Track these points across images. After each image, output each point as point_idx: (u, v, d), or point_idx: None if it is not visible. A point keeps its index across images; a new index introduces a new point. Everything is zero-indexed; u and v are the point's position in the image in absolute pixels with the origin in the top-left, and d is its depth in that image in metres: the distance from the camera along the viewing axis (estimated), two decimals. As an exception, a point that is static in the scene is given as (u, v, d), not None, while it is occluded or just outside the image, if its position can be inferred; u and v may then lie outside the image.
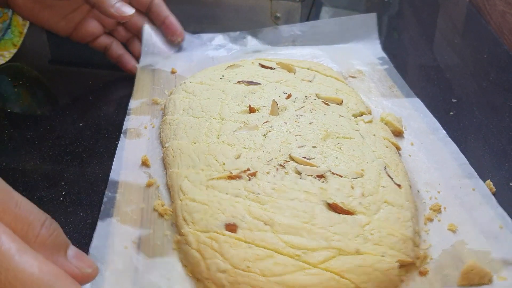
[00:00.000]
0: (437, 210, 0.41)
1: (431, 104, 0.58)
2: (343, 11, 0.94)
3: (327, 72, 0.57)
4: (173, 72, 0.62)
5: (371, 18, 0.68)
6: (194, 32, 0.73)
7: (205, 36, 0.69)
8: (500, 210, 0.40)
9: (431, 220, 0.40)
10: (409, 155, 0.47)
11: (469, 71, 0.68)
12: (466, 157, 0.46)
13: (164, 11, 0.65)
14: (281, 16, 0.73)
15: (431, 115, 0.52)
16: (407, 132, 0.50)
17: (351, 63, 0.63)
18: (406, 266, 0.35)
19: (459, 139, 0.52)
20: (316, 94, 0.51)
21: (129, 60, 0.64)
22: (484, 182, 0.45)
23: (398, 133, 0.50)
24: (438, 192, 0.43)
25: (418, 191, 0.43)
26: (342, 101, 0.51)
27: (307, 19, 0.84)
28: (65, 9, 0.60)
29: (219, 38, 0.68)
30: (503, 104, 0.59)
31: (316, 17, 0.88)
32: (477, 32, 0.82)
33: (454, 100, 0.60)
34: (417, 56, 0.73)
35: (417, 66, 0.70)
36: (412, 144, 0.49)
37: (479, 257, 0.36)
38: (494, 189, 0.44)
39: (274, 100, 0.48)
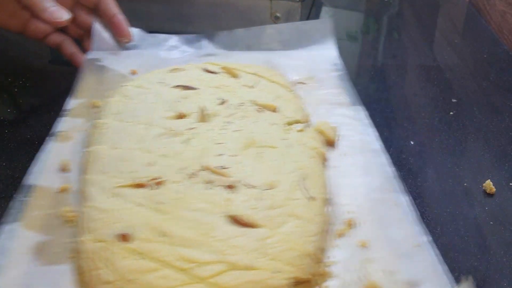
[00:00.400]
0: (351, 225, 0.39)
1: (431, 104, 0.58)
2: (343, 11, 0.94)
3: (273, 78, 0.56)
4: (133, 73, 0.60)
5: (328, 23, 0.67)
6: (195, 32, 0.73)
7: (161, 36, 0.67)
8: (418, 228, 0.38)
9: (342, 235, 0.38)
10: (336, 166, 0.45)
11: (469, 71, 0.68)
12: (465, 157, 0.46)
13: (112, 9, 0.63)
14: (281, 16, 0.73)
15: (372, 125, 0.51)
16: (342, 142, 0.48)
17: (304, 69, 0.62)
18: (303, 283, 0.34)
19: (459, 139, 0.52)
20: (252, 101, 0.50)
21: (81, 59, 0.63)
22: (484, 182, 0.45)
23: (331, 143, 0.48)
24: (358, 206, 0.41)
25: (336, 204, 0.41)
26: (277, 108, 0.50)
27: (307, 19, 0.84)
28: (12, 8, 0.59)
29: (174, 39, 0.67)
30: (503, 104, 0.59)
31: (316, 17, 0.88)
32: (477, 32, 0.82)
33: (454, 100, 0.60)
34: (417, 56, 0.73)
35: (417, 66, 0.70)
36: (343, 155, 0.47)
37: (384, 276, 0.34)
38: (494, 189, 0.44)
39: (200, 106, 0.47)
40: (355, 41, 0.79)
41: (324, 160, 0.45)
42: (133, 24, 0.67)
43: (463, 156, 0.49)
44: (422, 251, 0.36)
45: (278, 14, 0.73)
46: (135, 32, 0.65)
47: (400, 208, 0.40)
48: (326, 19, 0.67)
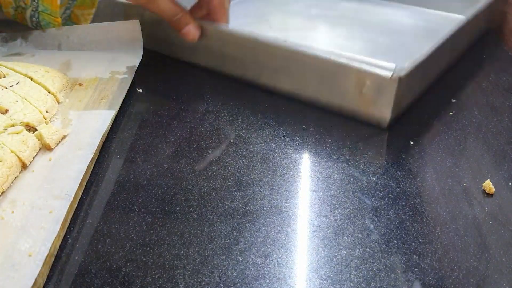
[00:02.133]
0: None
1: (431, 104, 0.58)
2: (343, 11, 0.94)
3: (40, 80, 0.56)
4: None
5: (135, 24, 0.65)
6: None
7: None
8: (50, 236, 0.37)
9: None
10: (33, 171, 0.45)
11: (469, 71, 0.68)
12: (465, 157, 0.46)
13: None
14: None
15: (99, 132, 0.50)
16: (60, 148, 0.48)
17: (95, 70, 0.61)
18: None
19: (458, 139, 0.52)
20: None
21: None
22: (484, 182, 0.45)
23: (48, 147, 0.48)
24: (12, 212, 0.40)
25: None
26: (7, 110, 0.50)
27: (307, 19, 0.84)
28: None
29: None
30: (502, 104, 0.59)
31: (316, 17, 0.87)
32: (477, 32, 0.82)
33: (453, 100, 0.60)
34: (417, 56, 0.73)
35: (417, 66, 0.70)
36: (50, 160, 0.47)
37: None
38: (494, 189, 0.44)
39: None
40: (355, 41, 0.79)
41: (23, 164, 0.45)
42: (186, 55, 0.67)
43: (463, 156, 0.49)
44: (28, 262, 0.35)
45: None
46: None
47: (50, 216, 0.40)
48: (134, 21, 0.65)
